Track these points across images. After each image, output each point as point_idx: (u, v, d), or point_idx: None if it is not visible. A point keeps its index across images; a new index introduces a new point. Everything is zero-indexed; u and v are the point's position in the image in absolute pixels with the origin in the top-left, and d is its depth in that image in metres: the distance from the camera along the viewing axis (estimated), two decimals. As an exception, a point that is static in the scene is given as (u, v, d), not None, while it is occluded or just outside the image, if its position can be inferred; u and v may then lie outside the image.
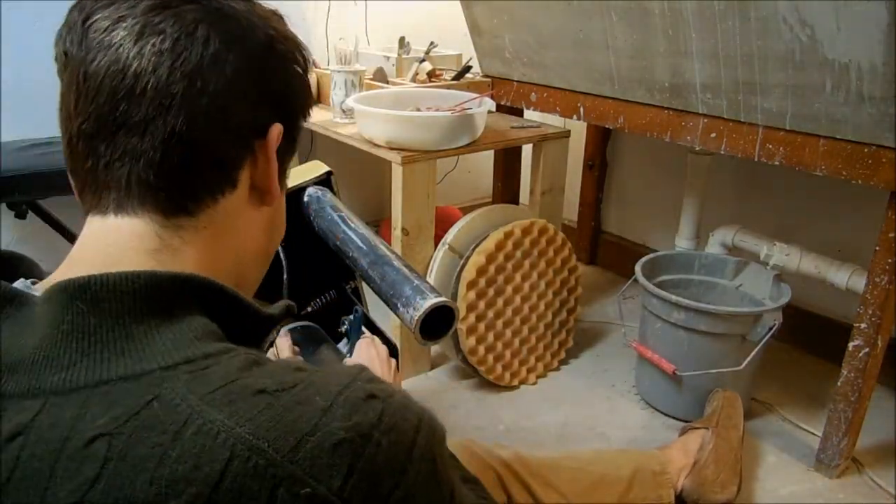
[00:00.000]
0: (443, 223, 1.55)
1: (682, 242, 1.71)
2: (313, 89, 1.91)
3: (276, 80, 0.50)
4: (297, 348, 0.93)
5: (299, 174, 1.25)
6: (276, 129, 0.49)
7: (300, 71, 0.53)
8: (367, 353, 0.95)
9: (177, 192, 0.46)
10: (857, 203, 1.57)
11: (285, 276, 1.10)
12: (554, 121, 1.86)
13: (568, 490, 0.98)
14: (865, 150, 1.12)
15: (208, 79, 0.45)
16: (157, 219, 0.45)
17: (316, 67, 1.97)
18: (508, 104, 1.81)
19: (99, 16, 0.44)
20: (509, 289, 1.49)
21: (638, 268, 1.47)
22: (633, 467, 1.09)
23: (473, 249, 1.45)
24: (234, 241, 0.50)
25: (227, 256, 0.49)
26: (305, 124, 0.55)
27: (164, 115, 0.44)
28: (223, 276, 0.48)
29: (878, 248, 1.15)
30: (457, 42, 2.06)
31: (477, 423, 1.43)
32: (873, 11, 0.99)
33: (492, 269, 1.46)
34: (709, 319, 1.34)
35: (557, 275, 1.58)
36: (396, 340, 1.33)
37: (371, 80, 1.80)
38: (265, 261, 0.56)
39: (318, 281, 1.28)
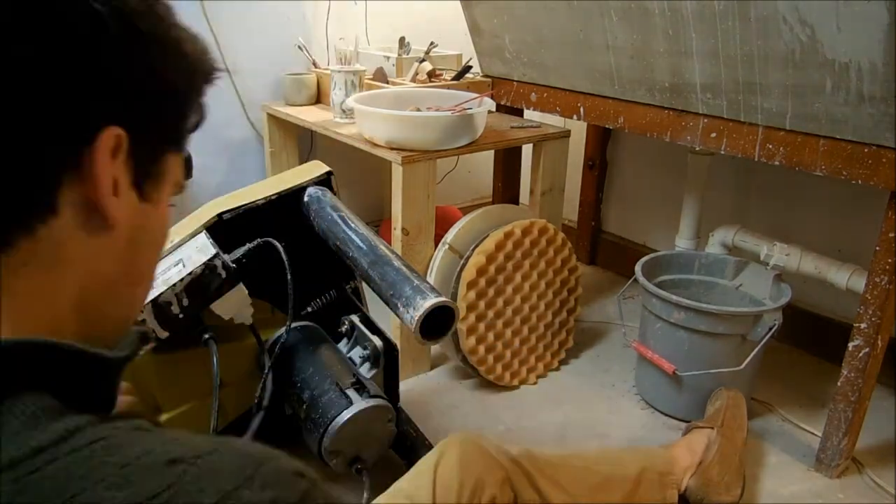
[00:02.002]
0: (443, 223, 1.55)
1: (682, 242, 1.71)
2: (313, 89, 1.91)
3: (114, 65, 0.37)
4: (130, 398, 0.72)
5: (299, 174, 1.26)
6: (110, 136, 0.37)
7: (167, 55, 0.41)
8: None
9: None
10: (857, 203, 1.57)
11: (289, 276, 1.10)
12: (554, 121, 1.86)
13: (574, 489, 0.98)
14: (865, 150, 1.12)
15: None
16: None
17: (316, 67, 1.97)
18: (508, 104, 1.81)
19: None
20: (509, 289, 1.49)
21: (638, 268, 1.47)
22: (640, 467, 1.09)
23: (473, 249, 1.45)
24: (71, 276, 0.39)
25: (66, 294, 0.39)
26: (192, 129, 0.45)
27: None
28: (68, 318, 0.39)
29: (878, 248, 1.15)
30: (457, 42, 2.06)
31: (477, 423, 1.43)
32: (873, 11, 0.99)
33: (492, 269, 1.46)
34: (709, 319, 1.34)
35: (557, 275, 1.58)
36: (396, 340, 1.33)
37: (371, 80, 1.80)
38: (130, 291, 0.45)
39: (318, 281, 1.28)
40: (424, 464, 0.90)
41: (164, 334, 1.03)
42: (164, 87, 0.41)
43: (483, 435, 0.97)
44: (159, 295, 1.01)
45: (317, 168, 1.26)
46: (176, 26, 0.42)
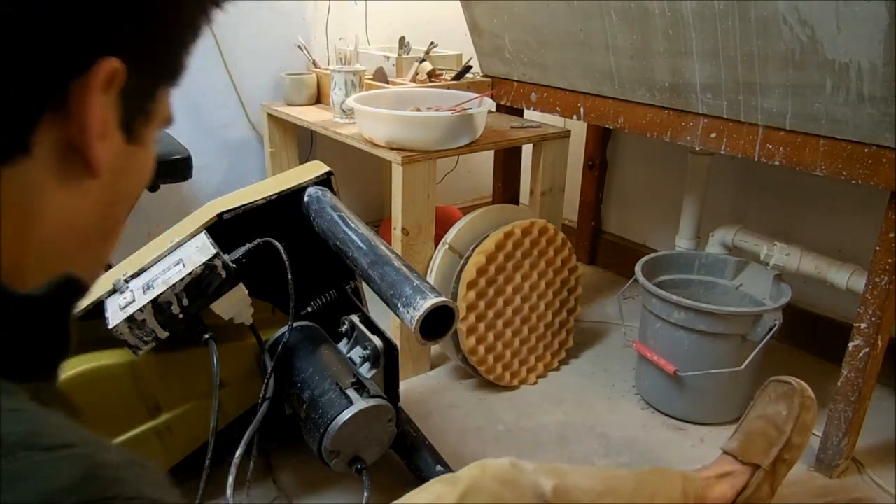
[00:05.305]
0: (443, 223, 1.55)
1: (682, 242, 1.71)
2: (313, 89, 1.91)
3: None
4: None
5: (299, 174, 1.26)
6: (106, 69, 0.32)
7: None
8: None
9: None
10: (857, 203, 1.57)
11: (289, 276, 1.10)
12: (554, 121, 1.86)
13: None
14: (865, 150, 1.12)
15: None
16: None
17: (316, 67, 1.97)
18: (508, 104, 1.81)
19: None
20: (509, 289, 1.49)
21: (638, 268, 1.47)
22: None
23: (473, 249, 1.46)
24: (38, 227, 0.34)
25: (29, 247, 0.34)
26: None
27: None
28: (26, 276, 0.34)
29: (878, 248, 1.15)
30: (457, 42, 2.06)
31: (477, 423, 1.43)
32: (873, 11, 0.99)
33: (492, 269, 1.46)
34: (709, 319, 1.34)
35: (557, 275, 1.58)
36: (396, 340, 1.33)
37: (371, 80, 1.80)
38: (100, 246, 0.40)
39: (318, 281, 1.28)
40: (447, 495, 0.81)
41: (164, 334, 1.03)
42: (172, 9, 0.35)
43: (517, 465, 0.89)
44: (159, 295, 1.01)
45: (317, 168, 1.26)
46: None
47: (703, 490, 1.03)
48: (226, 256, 1.07)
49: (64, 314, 0.34)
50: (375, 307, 1.25)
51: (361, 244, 1.07)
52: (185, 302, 1.03)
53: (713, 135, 1.34)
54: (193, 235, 1.11)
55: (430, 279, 1.47)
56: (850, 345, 1.21)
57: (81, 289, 0.35)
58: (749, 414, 1.14)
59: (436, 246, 1.50)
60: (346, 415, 1.04)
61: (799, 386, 1.11)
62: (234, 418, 1.19)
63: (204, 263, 1.03)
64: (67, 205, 0.35)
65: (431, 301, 0.93)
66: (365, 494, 1.05)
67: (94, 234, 0.38)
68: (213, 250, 1.05)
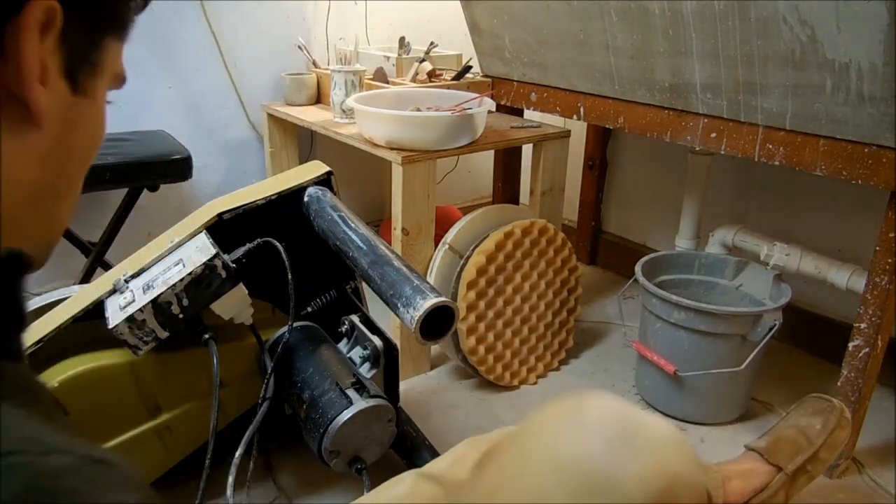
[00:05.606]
0: (443, 223, 1.55)
1: (682, 242, 1.71)
2: (313, 89, 1.91)
3: None
4: None
5: (299, 174, 1.26)
6: (39, 9, 0.31)
7: None
8: None
9: None
10: (857, 203, 1.57)
11: (289, 276, 1.10)
12: (554, 121, 1.86)
13: None
14: (865, 150, 1.12)
15: None
16: None
17: (316, 67, 1.97)
18: (508, 104, 1.81)
19: None
20: (509, 289, 1.49)
21: (638, 268, 1.47)
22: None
23: (473, 249, 1.46)
24: None
25: None
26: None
27: None
28: None
29: (878, 248, 1.15)
30: (457, 42, 2.06)
31: (477, 423, 1.43)
32: (873, 11, 0.99)
33: (492, 269, 1.46)
34: (709, 319, 1.34)
35: (557, 275, 1.58)
36: (396, 340, 1.33)
37: (371, 80, 1.80)
38: (54, 207, 0.38)
39: (318, 281, 1.28)
40: (469, 455, 0.82)
41: (164, 334, 1.03)
42: None
43: None
44: (159, 295, 1.01)
45: (317, 168, 1.26)
46: None
47: (722, 483, 1.02)
48: (226, 256, 1.07)
49: (13, 289, 0.33)
50: (375, 307, 1.25)
51: (361, 244, 1.07)
52: (185, 302, 1.03)
53: (713, 135, 1.34)
54: (193, 235, 1.11)
55: (430, 279, 1.47)
56: (850, 345, 1.21)
57: (27, 262, 0.34)
58: (781, 422, 1.14)
59: (436, 246, 1.50)
60: (346, 415, 1.04)
61: (839, 405, 1.12)
62: (234, 418, 1.19)
63: (204, 263, 1.03)
64: (13, 158, 0.33)
65: (431, 301, 0.93)
66: (365, 494, 1.05)
67: (46, 193, 0.37)
68: (213, 250, 1.05)
